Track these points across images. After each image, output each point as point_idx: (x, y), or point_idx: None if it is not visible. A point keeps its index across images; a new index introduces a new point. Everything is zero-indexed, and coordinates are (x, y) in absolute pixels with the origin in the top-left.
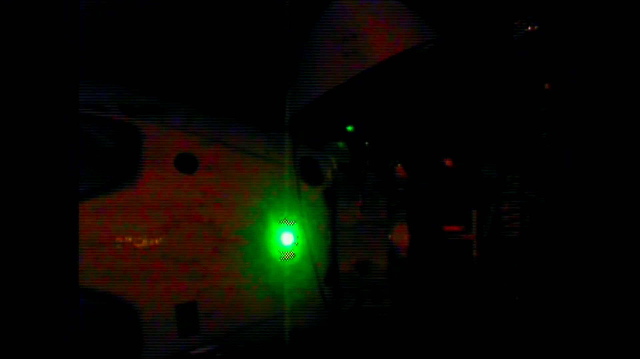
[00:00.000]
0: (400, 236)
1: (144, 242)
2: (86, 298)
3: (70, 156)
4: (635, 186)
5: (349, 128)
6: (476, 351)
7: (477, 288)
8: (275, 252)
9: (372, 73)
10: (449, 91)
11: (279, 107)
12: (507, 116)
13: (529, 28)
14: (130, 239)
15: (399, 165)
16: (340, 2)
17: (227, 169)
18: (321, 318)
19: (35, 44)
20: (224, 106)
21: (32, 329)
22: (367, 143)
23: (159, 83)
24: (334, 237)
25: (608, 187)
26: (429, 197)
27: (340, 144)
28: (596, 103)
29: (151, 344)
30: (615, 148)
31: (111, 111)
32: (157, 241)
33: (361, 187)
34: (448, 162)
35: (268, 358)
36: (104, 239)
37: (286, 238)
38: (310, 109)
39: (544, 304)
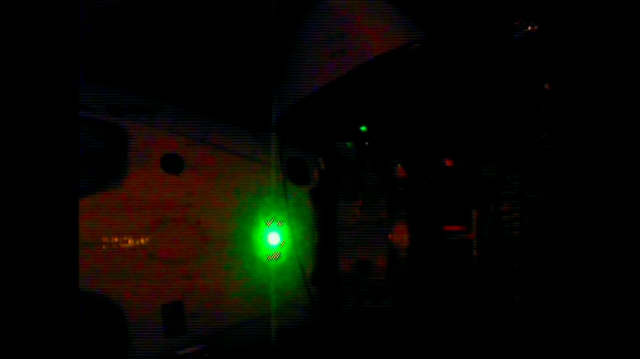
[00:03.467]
0: (400, 236)
1: (130, 242)
2: None
3: (70, 156)
4: (636, 186)
5: (363, 128)
6: (476, 351)
7: (477, 288)
8: (261, 253)
9: (359, 73)
10: (447, 90)
11: (265, 107)
12: (507, 115)
13: (529, 28)
14: (116, 239)
15: (399, 165)
16: (327, 1)
17: (214, 169)
18: (308, 318)
19: (38, 42)
20: (211, 106)
21: (31, 331)
22: (367, 143)
23: (146, 83)
24: (321, 238)
25: (608, 187)
26: (429, 197)
27: (349, 144)
28: (596, 103)
29: (137, 345)
30: (615, 148)
31: (97, 111)
32: (142, 241)
33: (361, 187)
34: (448, 162)
35: (255, 358)
36: (89, 239)
37: (273, 238)
38: (297, 109)
39: (544, 304)
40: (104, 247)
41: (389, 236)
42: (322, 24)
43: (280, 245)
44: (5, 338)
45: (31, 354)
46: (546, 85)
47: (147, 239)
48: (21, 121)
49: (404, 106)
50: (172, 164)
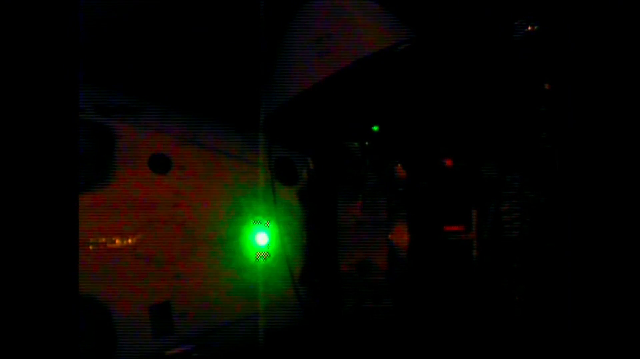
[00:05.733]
0: (400, 236)
1: (117, 242)
2: None
3: (70, 156)
4: (636, 186)
5: (375, 128)
6: (476, 351)
7: (477, 288)
8: (250, 253)
9: (348, 72)
10: (444, 90)
11: (254, 107)
12: (507, 115)
13: (529, 28)
14: (103, 239)
15: (399, 165)
16: (315, 2)
17: (201, 169)
18: (296, 318)
19: (39, 43)
20: (199, 105)
21: (31, 330)
22: (367, 143)
23: (134, 83)
24: (309, 238)
25: (608, 187)
26: (429, 197)
27: (356, 144)
28: (596, 103)
29: (125, 345)
30: (615, 148)
31: (84, 111)
32: (130, 242)
33: (361, 187)
34: (448, 162)
35: (243, 358)
36: None
37: (261, 238)
38: (286, 109)
39: (544, 304)
40: (91, 247)
41: (389, 236)
42: (311, 24)
43: (269, 245)
44: (6, 338)
45: (31, 353)
46: (546, 86)
47: (134, 239)
48: (21, 122)
49: (398, 106)
50: (160, 164)
